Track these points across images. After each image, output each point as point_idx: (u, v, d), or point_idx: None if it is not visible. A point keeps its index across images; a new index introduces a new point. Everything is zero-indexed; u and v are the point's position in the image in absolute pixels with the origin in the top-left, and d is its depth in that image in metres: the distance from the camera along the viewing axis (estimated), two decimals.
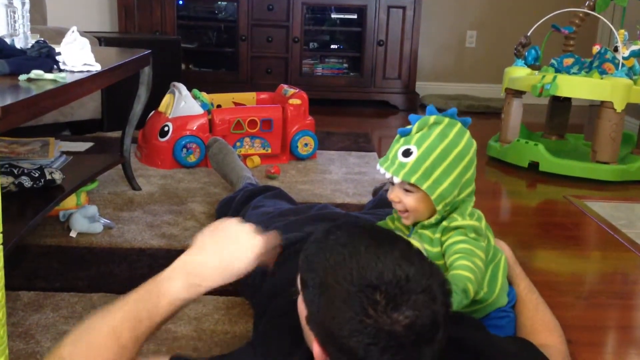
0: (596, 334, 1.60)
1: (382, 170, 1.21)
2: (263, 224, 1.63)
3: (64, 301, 1.58)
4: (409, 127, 1.22)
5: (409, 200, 1.21)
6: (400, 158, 1.19)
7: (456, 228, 1.21)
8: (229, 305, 1.59)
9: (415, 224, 1.27)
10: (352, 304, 0.80)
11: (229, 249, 1.00)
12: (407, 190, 1.20)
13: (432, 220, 1.22)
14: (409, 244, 0.88)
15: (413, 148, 1.18)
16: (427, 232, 1.25)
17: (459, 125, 1.22)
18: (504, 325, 1.30)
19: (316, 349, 0.86)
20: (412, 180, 1.17)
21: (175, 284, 0.97)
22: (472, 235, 1.21)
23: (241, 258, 0.99)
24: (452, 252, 1.20)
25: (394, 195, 1.22)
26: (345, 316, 0.80)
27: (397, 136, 1.23)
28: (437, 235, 1.24)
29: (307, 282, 0.87)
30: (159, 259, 1.85)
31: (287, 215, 1.64)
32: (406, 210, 1.23)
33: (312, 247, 0.88)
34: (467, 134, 1.23)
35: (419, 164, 1.17)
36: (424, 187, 1.17)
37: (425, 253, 1.21)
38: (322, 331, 0.84)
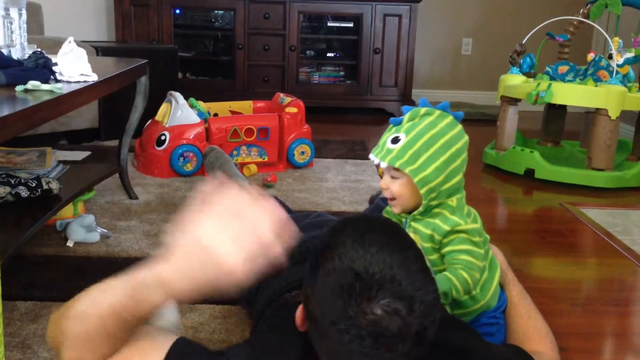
0: (592, 341, 1.60)
1: (372, 157, 1.27)
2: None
3: None
4: (400, 117, 1.27)
5: (395, 186, 1.25)
6: (389, 145, 1.24)
7: (459, 232, 1.23)
8: (225, 314, 1.59)
9: (407, 217, 1.29)
10: (331, 279, 0.82)
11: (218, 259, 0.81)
12: (394, 177, 1.25)
13: (421, 208, 1.25)
14: (418, 255, 0.87)
15: (401, 135, 1.23)
16: (420, 227, 1.27)
17: (450, 117, 1.26)
18: (494, 332, 1.31)
19: (299, 311, 0.90)
20: (397, 165, 1.22)
21: (155, 295, 0.84)
22: (477, 239, 1.24)
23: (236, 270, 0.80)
24: (452, 260, 1.23)
25: (383, 182, 1.27)
26: (323, 288, 0.83)
27: (390, 126, 1.28)
28: (434, 234, 1.25)
29: (315, 249, 0.89)
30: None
31: None
32: (393, 198, 1.27)
33: (336, 224, 0.91)
34: (459, 126, 1.26)
35: (404, 150, 1.22)
36: (407, 170, 1.21)
37: (420, 247, 1.24)
38: (306, 293, 0.88)
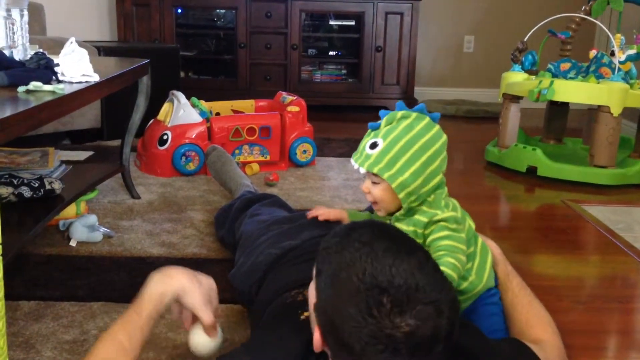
0: (594, 338, 1.60)
1: (352, 162, 1.29)
2: (259, 231, 1.65)
3: (64, 310, 1.58)
4: (379, 122, 1.29)
5: (376, 191, 1.27)
6: (367, 150, 1.26)
7: (438, 222, 1.27)
8: (227, 313, 1.60)
9: (390, 219, 1.33)
10: (358, 301, 0.81)
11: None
12: (374, 182, 1.27)
13: (402, 211, 1.28)
14: (427, 255, 0.88)
15: (379, 141, 1.25)
16: (402, 226, 1.30)
17: (427, 119, 1.28)
18: (497, 301, 1.36)
19: (316, 336, 0.88)
20: (375, 171, 1.24)
21: (150, 282, 1.14)
22: (454, 226, 1.27)
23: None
24: (436, 249, 1.26)
25: (364, 186, 1.29)
26: (350, 311, 0.81)
27: (368, 130, 1.30)
28: (416, 229, 1.28)
29: (321, 271, 0.88)
30: (159, 267, 1.85)
31: (283, 223, 1.65)
32: (376, 202, 1.30)
33: (333, 240, 0.89)
34: (436, 127, 1.28)
35: (382, 155, 1.24)
36: (385, 176, 1.23)
37: None
38: (325, 320, 0.85)
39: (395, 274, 0.81)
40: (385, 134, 1.25)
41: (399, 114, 1.27)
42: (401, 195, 1.25)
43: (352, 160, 1.29)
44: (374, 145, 1.25)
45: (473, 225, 1.36)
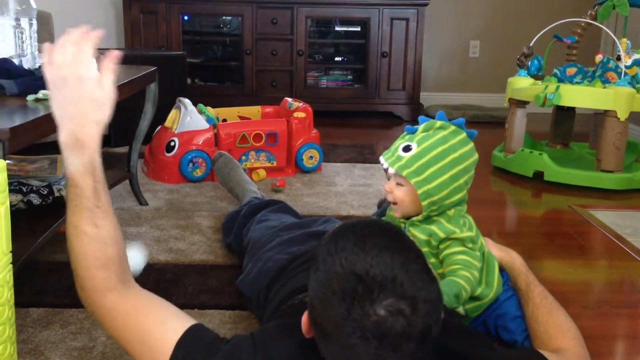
0: (602, 344, 1.60)
1: (382, 161, 1.32)
2: (267, 237, 1.66)
3: (73, 317, 1.59)
4: (416, 126, 1.32)
5: (398, 192, 1.30)
6: (400, 152, 1.28)
7: (455, 239, 1.29)
8: (235, 320, 1.60)
9: (406, 222, 1.35)
10: (334, 284, 0.84)
11: (87, 110, 1.07)
12: (399, 184, 1.30)
13: (420, 217, 1.30)
14: (419, 256, 0.88)
15: (413, 145, 1.27)
16: (417, 233, 1.31)
17: (463, 134, 1.30)
18: (513, 294, 1.39)
19: (304, 318, 0.92)
20: (404, 174, 1.26)
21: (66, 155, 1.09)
22: (470, 245, 1.30)
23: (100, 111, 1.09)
24: (452, 262, 1.28)
25: (388, 186, 1.32)
26: (326, 293, 0.84)
27: (404, 133, 1.33)
28: (430, 239, 1.31)
29: (317, 254, 0.91)
30: (167, 274, 1.86)
31: (291, 229, 1.66)
32: (395, 203, 1.33)
33: (336, 230, 0.92)
34: (470, 145, 1.30)
35: (414, 160, 1.26)
36: (413, 181, 1.26)
37: None
38: (310, 300, 0.89)
39: (374, 264, 0.83)
40: (421, 140, 1.27)
41: (438, 123, 1.29)
42: (424, 203, 1.27)
43: (382, 159, 1.31)
44: (407, 149, 1.28)
45: (484, 243, 1.38)
